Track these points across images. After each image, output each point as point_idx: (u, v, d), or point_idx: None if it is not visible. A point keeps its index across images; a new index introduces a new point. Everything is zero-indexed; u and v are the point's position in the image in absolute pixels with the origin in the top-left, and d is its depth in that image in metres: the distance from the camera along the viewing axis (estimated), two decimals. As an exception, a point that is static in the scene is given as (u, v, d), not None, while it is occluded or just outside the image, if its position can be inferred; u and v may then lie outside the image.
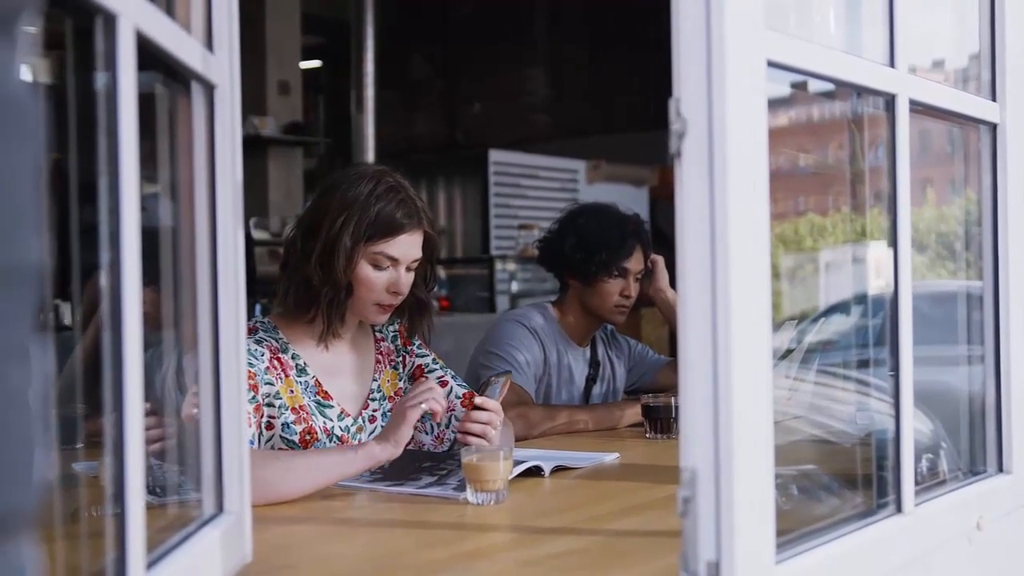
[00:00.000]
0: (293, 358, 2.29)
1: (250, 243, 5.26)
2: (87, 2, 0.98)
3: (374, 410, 2.39)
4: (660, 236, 3.37)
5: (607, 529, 1.79)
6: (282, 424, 2.22)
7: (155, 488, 1.39)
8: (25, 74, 0.63)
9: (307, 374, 2.29)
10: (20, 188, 0.60)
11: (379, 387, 2.42)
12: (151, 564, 1.13)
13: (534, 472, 2.19)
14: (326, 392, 2.31)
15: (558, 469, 2.26)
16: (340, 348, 2.36)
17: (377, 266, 2.25)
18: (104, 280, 1.04)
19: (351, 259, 2.23)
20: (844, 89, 1.65)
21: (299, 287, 2.26)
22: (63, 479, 1.42)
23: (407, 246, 2.27)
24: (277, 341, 2.28)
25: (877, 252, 1.87)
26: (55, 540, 1.17)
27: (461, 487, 1.98)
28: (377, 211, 2.23)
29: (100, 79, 1.05)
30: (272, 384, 2.20)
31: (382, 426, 2.36)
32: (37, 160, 0.63)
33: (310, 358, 2.31)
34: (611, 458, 2.43)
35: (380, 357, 2.45)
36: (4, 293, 0.60)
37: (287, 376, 2.26)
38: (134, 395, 1.05)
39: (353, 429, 2.33)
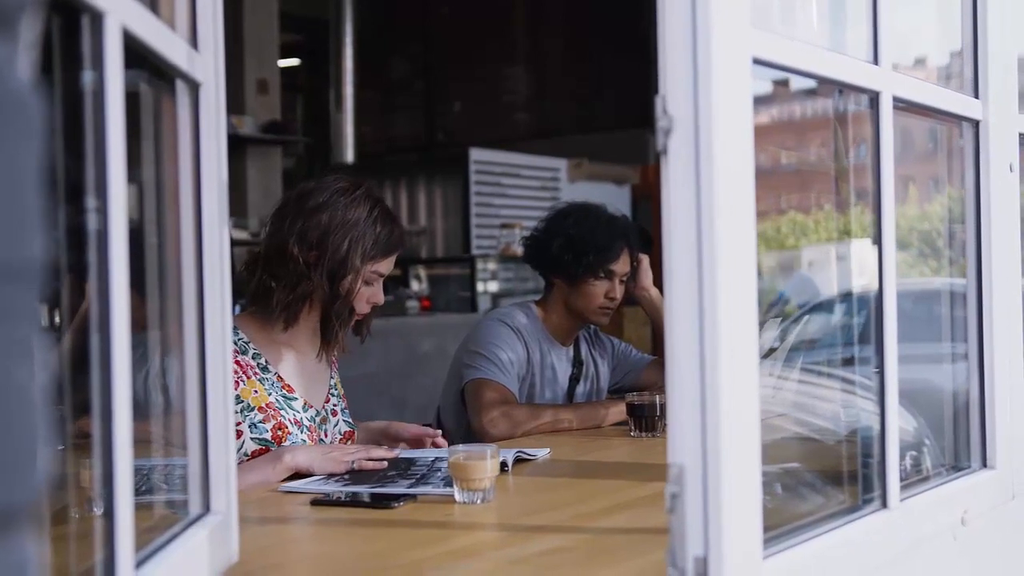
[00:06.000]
0: (254, 357, 2.36)
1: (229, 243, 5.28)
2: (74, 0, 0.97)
3: (334, 404, 2.51)
4: (642, 235, 3.37)
5: (594, 527, 1.79)
6: (250, 425, 2.28)
7: (139, 487, 1.38)
8: (26, 72, 0.63)
9: (270, 371, 2.37)
10: (23, 185, 0.61)
11: (335, 384, 2.55)
12: (139, 564, 1.12)
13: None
14: (289, 386, 2.39)
15: (519, 460, 2.33)
16: (301, 348, 2.45)
17: (367, 282, 2.39)
18: (91, 281, 1.03)
19: (357, 279, 2.35)
20: (826, 86, 1.66)
21: (300, 300, 2.35)
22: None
23: (393, 263, 2.44)
24: (236, 343, 2.32)
25: (860, 250, 1.89)
26: (42, 541, 1.16)
27: (448, 483, 1.97)
28: (379, 233, 2.37)
29: (86, 77, 1.04)
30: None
31: (343, 420, 2.52)
32: (39, 158, 0.63)
33: (271, 356, 2.39)
34: (543, 453, 2.46)
35: (333, 359, 2.57)
36: (8, 289, 0.60)
37: (249, 377, 2.33)
38: (122, 395, 1.04)
39: (318, 420, 2.43)
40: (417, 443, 2.50)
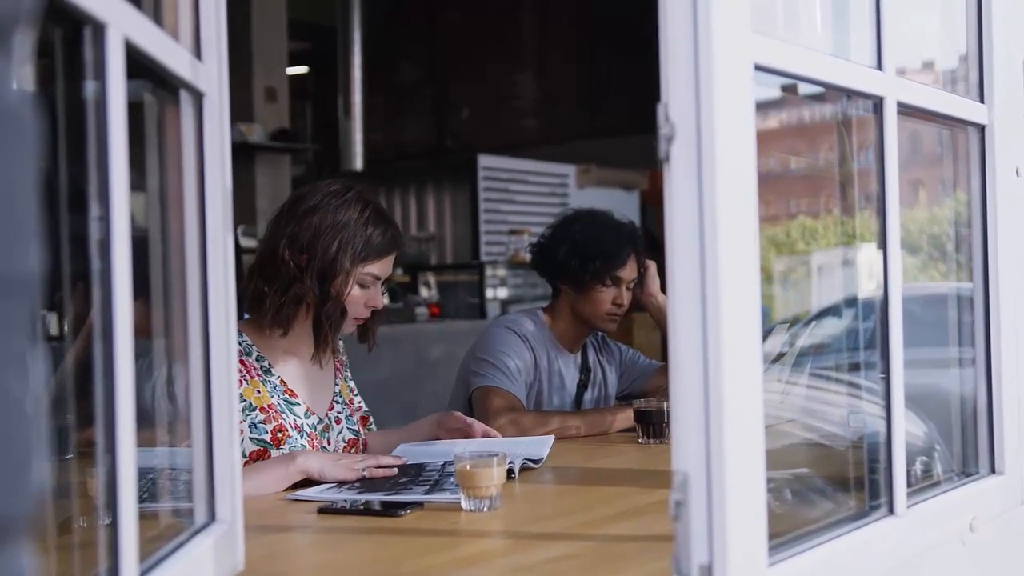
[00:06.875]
0: (258, 360, 2.38)
1: (238, 251, 5.30)
2: (76, 11, 0.97)
3: (338, 412, 2.51)
4: (651, 240, 3.37)
5: (600, 534, 1.79)
6: (250, 425, 2.30)
7: (143, 494, 1.38)
8: (22, 84, 0.63)
9: (273, 375, 2.38)
10: (18, 198, 0.61)
11: (339, 391, 2.54)
12: (144, 573, 1.12)
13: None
14: (292, 391, 2.40)
15: (525, 468, 2.32)
16: (302, 354, 2.45)
17: (362, 285, 2.39)
18: (94, 290, 1.04)
19: (347, 281, 2.35)
20: (834, 92, 1.66)
21: (292, 303, 2.35)
22: (53, 489, 1.41)
23: (389, 266, 2.43)
24: (241, 344, 2.33)
25: (868, 255, 1.88)
26: (48, 550, 1.16)
27: (457, 491, 1.97)
28: (370, 235, 2.36)
29: (89, 88, 1.04)
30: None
31: (348, 428, 2.51)
32: (34, 170, 0.63)
33: (274, 361, 2.40)
34: (548, 442, 2.50)
35: (338, 365, 2.57)
36: (3, 302, 0.61)
37: (252, 378, 2.34)
38: (125, 403, 1.04)
39: (320, 428, 2.43)
40: (464, 434, 2.53)
